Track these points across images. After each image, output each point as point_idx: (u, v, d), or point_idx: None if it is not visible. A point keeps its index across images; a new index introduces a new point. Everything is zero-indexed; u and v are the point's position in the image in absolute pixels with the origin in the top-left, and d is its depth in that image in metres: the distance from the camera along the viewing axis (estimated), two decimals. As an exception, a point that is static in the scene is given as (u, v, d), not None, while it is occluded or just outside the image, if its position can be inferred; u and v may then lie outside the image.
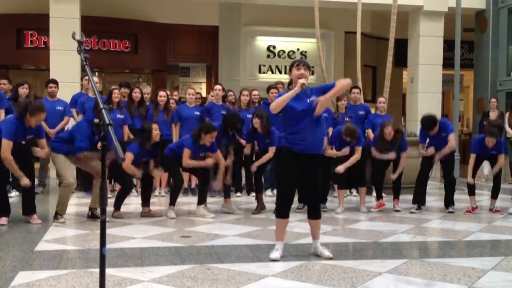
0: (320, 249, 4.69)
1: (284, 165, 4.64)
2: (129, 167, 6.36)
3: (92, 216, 6.36)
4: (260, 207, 7.09)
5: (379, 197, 7.44)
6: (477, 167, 7.49)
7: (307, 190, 4.71)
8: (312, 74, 12.83)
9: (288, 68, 13.33)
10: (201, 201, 6.78)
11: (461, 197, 8.06)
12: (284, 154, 4.62)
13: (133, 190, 8.62)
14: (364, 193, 7.45)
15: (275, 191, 7.72)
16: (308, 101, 4.54)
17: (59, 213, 6.25)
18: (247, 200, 8.13)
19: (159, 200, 8.12)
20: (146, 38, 13.79)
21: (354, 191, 8.75)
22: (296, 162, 4.55)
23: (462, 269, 4.33)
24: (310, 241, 4.92)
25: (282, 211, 4.65)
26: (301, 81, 4.47)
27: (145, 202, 6.76)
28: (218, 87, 8.34)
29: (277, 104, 4.50)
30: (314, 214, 4.75)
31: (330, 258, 4.58)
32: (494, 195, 7.37)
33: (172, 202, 6.68)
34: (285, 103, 4.48)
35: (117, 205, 6.60)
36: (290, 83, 4.73)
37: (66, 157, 6.24)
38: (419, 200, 7.38)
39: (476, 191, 7.40)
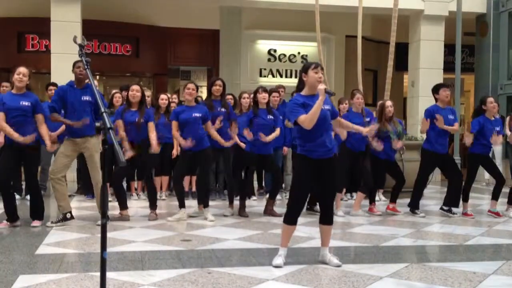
0: (328, 257, 4.58)
1: (301, 173, 4.50)
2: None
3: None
4: (240, 213, 7.04)
5: (371, 201, 7.42)
6: (475, 170, 7.49)
7: (325, 195, 4.60)
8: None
9: (289, 72, 13.23)
10: (206, 204, 6.78)
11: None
12: (302, 162, 4.50)
13: (134, 194, 8.65)
14: (361, 197, 7.37)
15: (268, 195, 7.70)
16: (324, 108, 4.44)
17: (61, 212, 6.24)
18: (254, 203, 8.12)
19: (159, 204, 8.10)
20: (147, 42, 13.81)
21: (355, 194, 8.73)
22: (314, 169, 4.46)
23: (463, 273, 4.32)
24: (311, 245, 4.92)
25: (293, 218, 4.54)
26: (322, 87, 4.35)
27: (153, 204, 6.78)
28: (218, 82, 7.80)
29: (312, 119, 4.31)
30: (328, 219, 4.61)
31: (338, 266, 4.49)
32: (495, 197, 7.37)
33: (181, 204, 6.71)
34: (318, 114, 4.32)
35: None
36: (300, 87, 4.56)
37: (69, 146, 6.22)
38: (417, 204, 7.35)
39: (477, 195, 7.39)
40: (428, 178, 7.59)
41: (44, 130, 6.09)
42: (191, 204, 7.96)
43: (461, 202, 7.31)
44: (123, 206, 6.64)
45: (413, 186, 7.41)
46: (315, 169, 4.47)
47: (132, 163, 6.53)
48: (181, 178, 6.92)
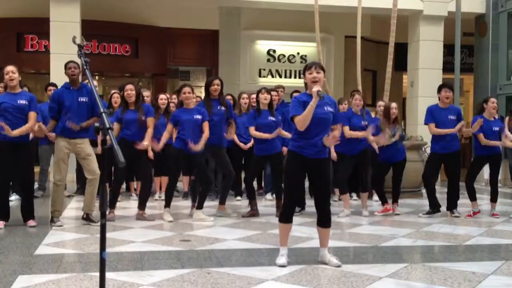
0: (328, 257, 4.56)
1: (293, 170, 4.50)
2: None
3: (87, 219, 6.35)
4: (252, 213, 7.03)
5: (384, 201, 7.43)
6: (479, 170, 7.48)
7: (320, 198, 4.57)
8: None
9: (289, 72, 13.26)
10: (200, 205, 6.77)
11: (461, 201, 8.04)
12: (293, 158, 4.50)
13: (133, 194, 8.65)
14: (366, 197, 7.45)
15: (274, 195, 7.70)
16: (326, 109, 4.44)
17: (54, 216, 6.25)
18: (246, 203, 8.10)
19: (159, 204, 8.10)
20: (147, 42, 13.82)
21: (354, 195, 8.74)
22: (306, 167, 4.46)
23: (462, 274, 4.32)
24: (310, 245, 4.90)
25: (286, 216, 4.55)
26: (315, 89, 4.33)
27: (141, 205, 6.76)
28: (216, 81, 7.73)
29: (304, 121, 4.34)
30: (325, 222, 4.59)
31: (338, 266, 4.47)
32: (494, 199, 7.37)
33: (167, 203, 6.71)
34: (310, 116, 4.34)
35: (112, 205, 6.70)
36: (306, 88, 4.60)
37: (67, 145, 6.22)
38: (436, 204, 7.28)
39: (477, 195, 7.39)
40: (436, 178, 7.51)
41: (28, 126, 6.07)
42: (190, 204, 7.95)
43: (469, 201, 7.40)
44: (112, 205, 6.71)
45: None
46: (307, 168, 4.48)
47: (130, 164, 6.53)
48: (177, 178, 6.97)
